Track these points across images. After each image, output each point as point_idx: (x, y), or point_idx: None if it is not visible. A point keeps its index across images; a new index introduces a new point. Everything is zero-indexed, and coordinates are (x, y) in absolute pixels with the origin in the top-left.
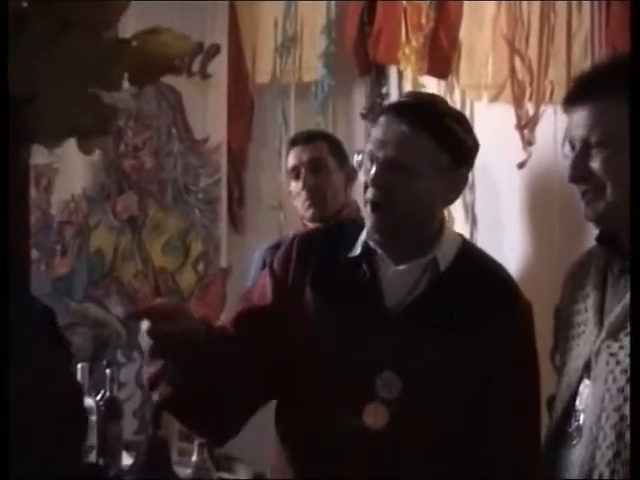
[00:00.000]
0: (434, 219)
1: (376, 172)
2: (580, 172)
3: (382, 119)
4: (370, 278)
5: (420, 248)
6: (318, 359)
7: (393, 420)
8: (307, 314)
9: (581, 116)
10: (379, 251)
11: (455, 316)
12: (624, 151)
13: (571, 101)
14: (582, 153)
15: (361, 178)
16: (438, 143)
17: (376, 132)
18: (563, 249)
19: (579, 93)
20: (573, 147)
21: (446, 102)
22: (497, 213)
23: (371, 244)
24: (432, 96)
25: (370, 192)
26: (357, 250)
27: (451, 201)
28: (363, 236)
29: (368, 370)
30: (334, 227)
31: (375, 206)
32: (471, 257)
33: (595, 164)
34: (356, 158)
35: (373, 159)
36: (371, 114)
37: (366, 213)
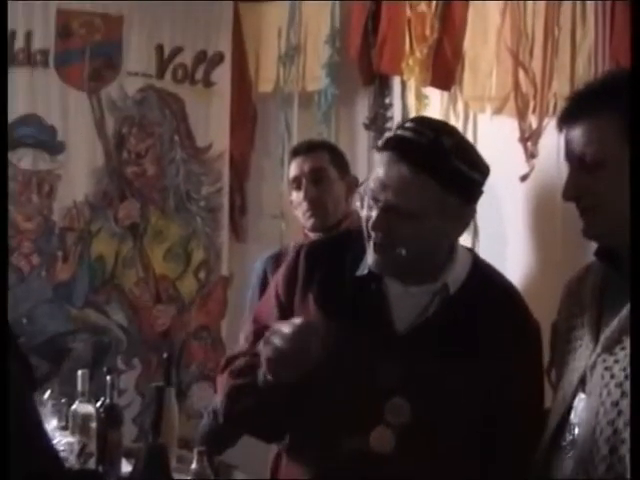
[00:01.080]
0: (441, 250)
1: (378, 216)
2: (576, 190)
3: (384, 156)
4: (379, 300)
5: (430, 275)
6: (326, 381)
7: (400, 445)
8: None
9: (576, 134)
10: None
11: (465, 339)
12: (619, 168)
13: (566, 119)
14: (577, 171)
15: (363, 213)
16: (443, 186)
17: (378, 170)
18: (565, 261)
19: (573, 111)
20: (570, 165)
21: (453, 134)
22: (500, 225)
23: (376, 271)
24: (438, 129)
25: (372, 233)
26: (365, 269)
27: (459, 234)
28: (370, 259)
29: (377, 395)
30: (341, 238)
31: (378, 247)
32: (481, 277)
33: (591, 182)
34: (357, 200)
35: (375, 200)
36: (374, 124)
37: (369, 250)
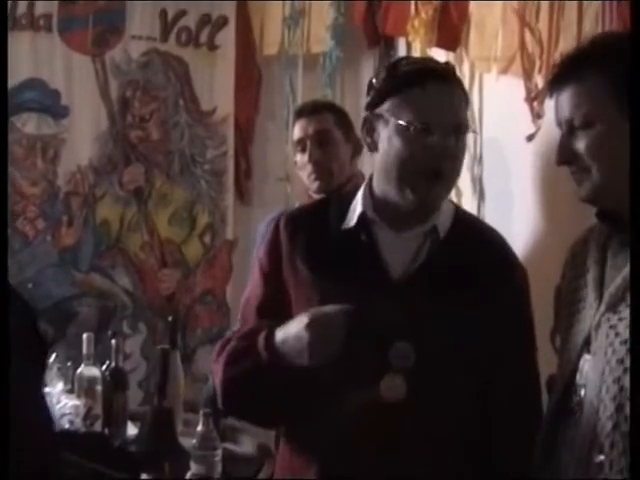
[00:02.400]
0: None
1: (450, 144)
2: (566, 154)
3: (422, 88)
4: (370, 248)
5: (422, 215)
6: None
7: (411, 390)
8: (308, 294)
9: (565, 98)
10: (377, 220)
11: (458, 282)
12: (608, 130)
13: (555, 84)
14: (567, 135)
15: (393, 149)
16: (466, 106)
17: (425, 99)
18: (572, 221)
19: (562, 75)
20: (561, 129)
21: None
22: (506, 186)
23: (369, 213)
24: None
25: (437, 162)
26: (351, 221)
27: None
28: (358, 207)
29: (380, 343)
30: (319, 203)
31: (442, 177)
32: (466, 223)
33: (580, 145)
34: (364, 127)
35: (431, 129)
36: None
37: (417, 183)
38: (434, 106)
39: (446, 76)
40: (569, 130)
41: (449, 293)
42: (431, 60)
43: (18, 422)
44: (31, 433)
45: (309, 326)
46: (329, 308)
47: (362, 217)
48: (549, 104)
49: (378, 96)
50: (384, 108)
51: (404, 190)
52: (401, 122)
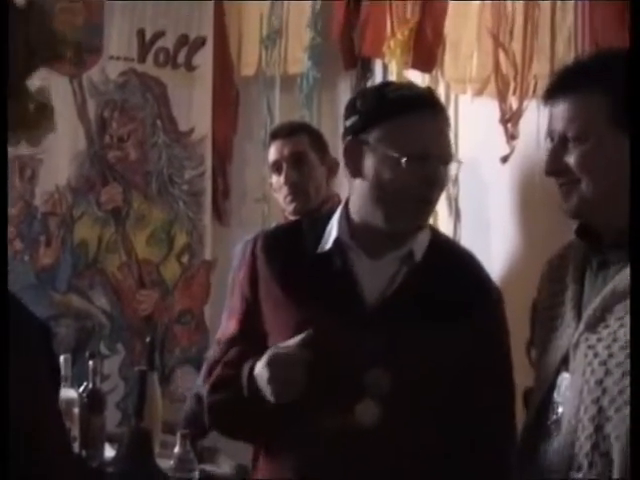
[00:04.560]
0: None
1: (439, 172)
2: (556, 165)
3: (413, 117)
4: (345, 273)
5: (398, 241)
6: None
7: (385, 417)
8: (283, 318)
9: (560, 110)
10: (352, 245)
11: (434, 306)
12: (601, 146)
13: (551, 95)
14: (559, 146)
15: (378, 175)
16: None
17: (421, 129)
18: (548, 242)
19: (558, 87)
20: (552, 140)
21: None
22: (482, 206)
23: (344, 239)
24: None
25: (431, 190)
26: (327, 245)
27: None
28: (334, 231)
29: (356, 368)
30: (295, 225)
31: (431, 203)
32: (442, 247)
33: (571, 158)
34: (347, 153)
35: (424, 157)
36: None
37: (417, 209)
38: (429, 135)
39: (436, 103)
40: (561, 142)
41: (424, 318)
42: (417, 87)
43: (46, 445)
44: (57, 457)
45: (268, 365)
46: (288, 347)
47: (337, 242)
48: (523, 125)
49: (364, 121)
50: (372, 135)
51: (392, 217)
52: (393, 151)
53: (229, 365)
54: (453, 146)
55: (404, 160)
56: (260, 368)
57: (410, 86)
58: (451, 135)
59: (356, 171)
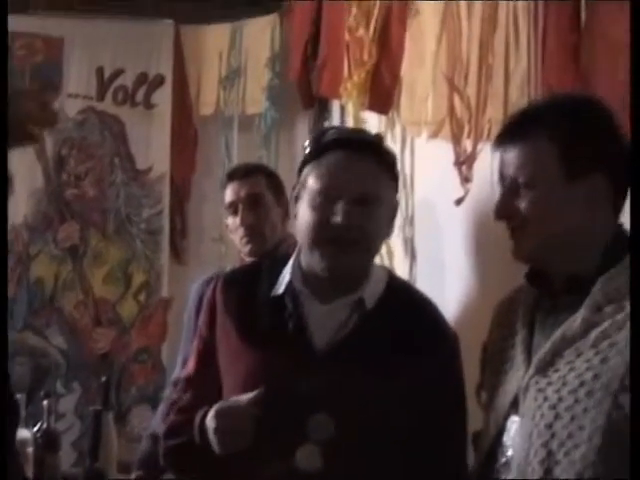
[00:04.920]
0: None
1: (346, 210)
2: (506, 210)
3: (333, 156)
4: (296, 317)
5: (348, 287)
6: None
7: (327, 462)
8: (236, 360)
9: (510, 156)
10: (304, 290)
11: (384, 353)
12: (550, 192)
13: (501, 140)
14: (510, 191)
15: (310, 217)
16: (389, 175)
17: (331, 169)
18: (502, 284)
19: (509, 133)
20: (503, 185)
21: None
22: (437, 248)
23: (295, 283)
24: (369, 132)
25: (334, 230)
26: (280, 289)
27: (390, 234)
28: (287, 275)
29: (300, 412)
30: (254, 265)
31: (341, 244)
32: (398, 292)
33: (521, 203)
34: (293, 193)
35: (335, 196)
36: None
37: (321, 253)
38: (339, 175)
39: (358, 146)
40: (511, 187)
41: (372, 364)
42: (354, 130)
43: None
44: None
45: (215, 417)
46: (238, 401)
47: (289, 286)
48: (477, 168)
49: (302, 163)
50: (303, 174)
51: (315, 258)
52: (311, 189)
53: (183, 411)
54: (380, 188)
55: (317, 197)
56: (209, 418)
57: (349, 130)
58: (376, 178)
59: (296, 213)
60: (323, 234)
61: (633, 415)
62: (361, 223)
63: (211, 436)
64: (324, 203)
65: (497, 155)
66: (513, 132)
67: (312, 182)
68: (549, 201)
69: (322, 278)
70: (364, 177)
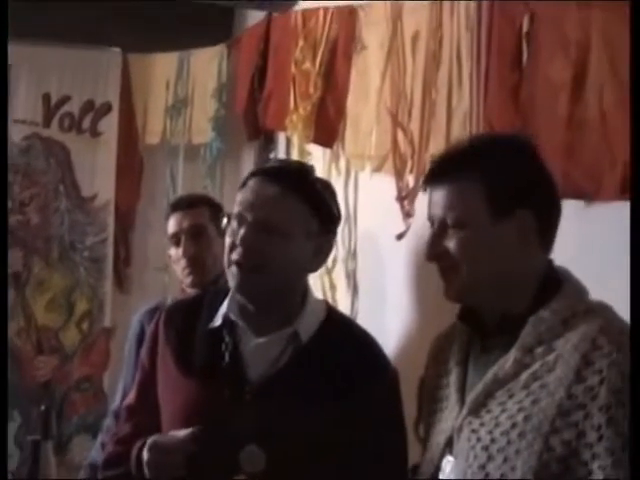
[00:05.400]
0: (299, 288)
1: (245, 232)
2: (436, 250)
3: (252, 182)
4: (231, 350)
5: (281, 320)
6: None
7: None
8: (173, 391)
9: (438, 196)
10: (239, 322)
11: (319, 388)
12: (479, 233)
13: (430, 181)
14: (439, 232)
15: (226, 240)
16: (308, 207)
17: (245, 194)
18: (442, 318)
19: (437, 173)
20: (432, 225)
21: (314, 169)
22: (379, 281)
23: (231, 316)
24: (301, 163)
25: (238, 253)
26: (217, 321)
27: (317, 268)
28: (224, 308)
29: (232, 445)
30: (197, 298)
31: (242, 267)
32: (336, 326)
33: (450, 244)
34: (223, 222)
35: (242, 221)
36: None
37: (231, 275)
38: (248, 199)
39: (271, 175)
40: (440, 227)
41: (305, 399)
42: (283, 161)
43: None
44: None
45: (149, 450)
46: (173, 437)
47: (226, 318)
48: (419, 204)
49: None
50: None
51: (229, 278)
52: (227, 215)
53: (122, 442)
54: (290, 220)
55: (226, 222)
56: (144, 451)
57: (281, 161)
58: (288, 209)
59: None
60: (230, 256)
61: (633, 414)
62: (262, 247)
63: (145, 468)
64: (235, 226)
65: (427, 194)
66: (440, 173)
67: (234, 208)
68: (477, 241)
69: (253, 310)
70: (269, 203)
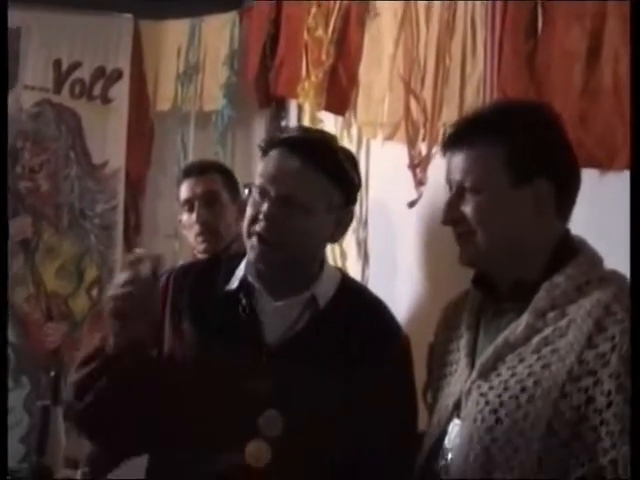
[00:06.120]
0: (318, 257)
1: (269, 207)
2: (452, 215)
3: (274, 153)
4: (249, 313)
5: (300, 285)
6: (199, 397)
7: (275, 458)
8: (186, 349)
9: (457, 161)
10: (257, 285)
11: (335, 352)
12: (496, 198)
13: (449, 145)
14: (456, 196)
15: (247, 210)
16: (331, 180)
17: (267, 166)
18: (452, 287)
19: (456, 138)
20: (451, 189)
21: (336, 139)
22: (390, 249)
23: (249, 278)
24: (323, 133)
25: (260, 226)
26: (234, 283)
27: (338, 238)
28: (241, 270)
29: (251, 409)
30: (210, 261)
31: (264, 240)
32: (351, 293)
33: (467, 208)
34: (245, 192)
35: (265, 194)
36: None
37: (250, 245)
38: (270, 172)
39: (294, 146)
40: (458, 192)
41: (322, 363)
42: (303, 130)
43: None
44: None
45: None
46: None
47: (243, 281)
48: (432, 171)
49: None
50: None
51: (248, 250)
52: (248, 185)
53: (86, 362)
54: (310, 192)
55: (247, 194)
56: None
57: (299, 129)
58: (306, 180)
59: None
60: (251, 228)
61: (633, 414)
62: (285, 222)
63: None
64: (258, 199)
65: (446, 159)
66: (460, 137)
67: (256, 179)
68: (494, 206)
69: (273, 274)
70: (292, 177)
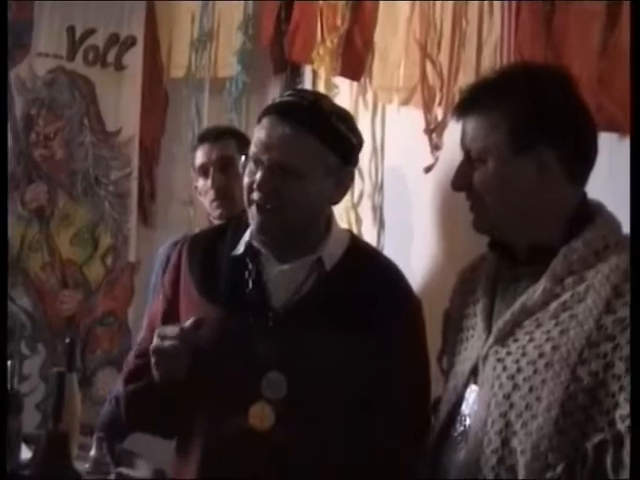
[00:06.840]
0: (321, 219)
1: (263, 174)
2: (461, 182)
3: (265, 120)
4: (255, 277)
5: (305, 248)
6: (205, 359)
7: (279, 421)
8: (197, 316)
9: (467, 127)
10: (263, 250)
11: (342, 315)
12: (500, 166)
13: (459, 111)
14: (466, 163)
15: (244, 180)
16: (324, 144)
17: (259, 134)
18: (469, 252)
19: (466, 104)
20: (462, 155)
21: (331, 100)
22: (406, 215)
23: (254, 243)
24: (316, 95)
25: (256, 195)
26: (240, 249)
27: (338, 200)
28: (247, 235)
29: (254, 371)
30: (220, 227)
31: (261, 209)
32: (360, 255)
33: (475, 175)
34: (241, 161)
35: (258, 162)
36: None
37: (251, 214)
38: (261, 142)
39: (283, 113)
40: (467, 159)
41: (329, 326)
42: (290, 94)
43: None
44: None
45: (152, 353)
46: (174, 326)
47: (249, 246)
48: (448, 136)
49: None
50: None
51: (250, 218)
52: (244, 154)
53: (142, 355)
54: (303, 158)
55: (244, 162)
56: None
57: (289, 93)
58: (301, 146)
59: None
60: (249, 197)
61: (633, 413)
62: (279, 189)
63: (153, 369)
64: (252, 167)
65: (459, 124)
66: (471, 103)
67: (250, 147)
68: (498, 175)
69: (277, 238)
70: (284, 144)
